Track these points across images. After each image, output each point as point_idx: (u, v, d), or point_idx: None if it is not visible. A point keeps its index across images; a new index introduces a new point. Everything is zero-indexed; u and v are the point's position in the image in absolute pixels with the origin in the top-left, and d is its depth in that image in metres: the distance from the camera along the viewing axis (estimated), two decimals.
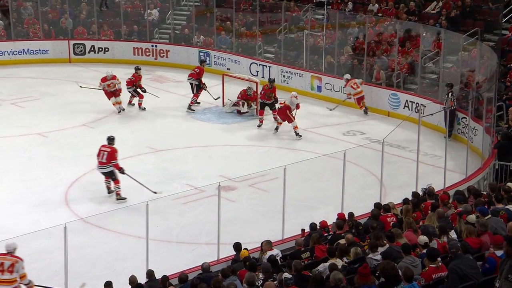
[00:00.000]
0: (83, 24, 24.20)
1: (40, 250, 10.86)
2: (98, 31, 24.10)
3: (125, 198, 13.27)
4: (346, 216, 10.77)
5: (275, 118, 17.68)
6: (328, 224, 10.81)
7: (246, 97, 18.67)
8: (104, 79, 18.44)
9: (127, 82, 18.76)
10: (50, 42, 23.43)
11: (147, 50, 23.78)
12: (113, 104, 18.51)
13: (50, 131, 17.00)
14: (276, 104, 17.89)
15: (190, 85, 19.19)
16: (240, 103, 18.64)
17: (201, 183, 13.58)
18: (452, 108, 16.30)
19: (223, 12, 23.84)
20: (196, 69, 19.26)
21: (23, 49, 23.08)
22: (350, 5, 22.62)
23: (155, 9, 24.65)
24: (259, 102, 18.15)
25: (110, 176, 13.45)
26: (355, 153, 14.13)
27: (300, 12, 22.75)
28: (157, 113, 18.74)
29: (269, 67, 21.46)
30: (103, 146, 13.51)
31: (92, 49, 23.78)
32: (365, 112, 18.75)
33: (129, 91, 18.82)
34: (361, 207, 11.74)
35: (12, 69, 21.72)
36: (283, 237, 11.38)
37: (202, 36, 23.65)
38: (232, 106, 18.79)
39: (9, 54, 22.67)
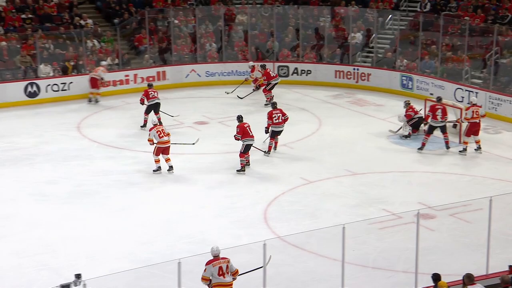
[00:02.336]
0: (288, 48, 24.92)
1: (240, 264, 11.21)
2: (302, 54, 24.69)
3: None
4: None
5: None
6: None
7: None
8: (252, 70, 21.80)
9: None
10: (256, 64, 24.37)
11: (349, 73, 23.90)
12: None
13: (251, 150, 17.59)
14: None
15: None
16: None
17: (398, 209, 13.32)
18: None
19: (429, 36, 23.30)
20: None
21: (232, 71, 24.28)
22: None
23: (359, 32, 24.73)
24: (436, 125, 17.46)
25: None
26: None
27: None
28: (356, 136, 18.71)
29: (476, 92, 20.60)
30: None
31: (295, 71, 24.38)
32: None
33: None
34: None
35: (221, 89, 22.88)
36: (487, 272, 10.77)
37: (405, 60, 23.31)
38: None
39: (219, 75, 23.96)
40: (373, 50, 24.38)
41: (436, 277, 9.72)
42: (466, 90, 20.86)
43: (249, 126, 16.05)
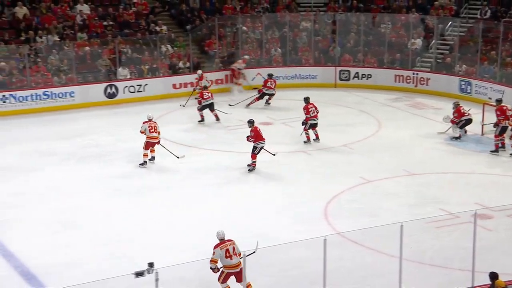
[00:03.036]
0: (349, 52, 24.62)
1: (300, 259, 11.10)
2: (363, 59, 24.34)
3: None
4: None
5: None
6: None
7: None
8: (201, 78, 21.02)
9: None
10: (320, 68, 24.20)
11: (408, 77, 23.42)
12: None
13: (313, 150, 17.47)
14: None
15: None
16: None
17: (455, 209, 12.94)
18: None
19: (488, 42, 22.63)
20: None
21: (295, 74, 24.16)
22: None
23: (419, 38, 24.21)
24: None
25: None
26: None
27: None
28: (414, 138, 18.30)
29: None
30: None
31: (356, 75, 24.07)
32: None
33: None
34: None
35: (284, 92, 22.79)
36: None
37: (464, 65, 22.68)
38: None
39: (283, 79, 23.84)
40: (432, 56, 23.82)
41: (493, 276, 9.39)
42: None
43: (260, 129, 15.99)
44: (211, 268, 10.09)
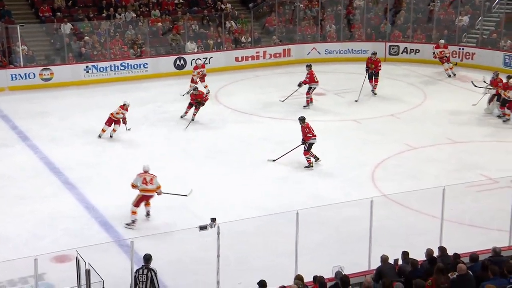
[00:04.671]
0: (399, 29, 24.08)
1: (350, 217, 11.13)
2: (412, 35, 23.77)
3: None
4: None
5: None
6: None
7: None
8: (195, 67, 19.33)
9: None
10: (370, 44, 23.75)
11: (454, 52, 22.74)
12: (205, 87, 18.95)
13: (362, 118, 17.31)
14: None
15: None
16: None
17: (495, 175, 12.67)
18: None
19: None
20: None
21: (348, 49, 23.81)
22: None
23: (466, 15, 23.43)
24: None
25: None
26: None
27: None
28: (458, 109, 17.87)
29: None
30: None
31: (405, 50, 23.54)
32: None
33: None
34: None
35: (337, 65, 22.56)
36: None
37: (509, 41, 21.86)
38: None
39: (336, 53, 23.56)
40: (478, 32, 23.04)
41: None
42: None
43: (311, 126, 14.31)
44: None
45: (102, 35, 21.99)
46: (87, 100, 19.16)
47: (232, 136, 16.11)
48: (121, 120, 15.73)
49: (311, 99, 18.31)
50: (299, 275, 8.17)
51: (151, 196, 11.62)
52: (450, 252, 8.75)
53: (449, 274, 7.69)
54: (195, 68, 19.81)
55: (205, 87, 19.40)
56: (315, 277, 8.14)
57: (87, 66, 21.13)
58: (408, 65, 22.79)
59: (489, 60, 21.73)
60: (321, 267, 8.72)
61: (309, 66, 18.30)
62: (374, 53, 19.62)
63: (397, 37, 23.96)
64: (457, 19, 23.29)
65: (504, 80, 17.10)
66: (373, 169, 13.83)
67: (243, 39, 23.42)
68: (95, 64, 21.23)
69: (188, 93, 18.38)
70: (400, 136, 15.74)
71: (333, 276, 8.37)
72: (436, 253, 8.78)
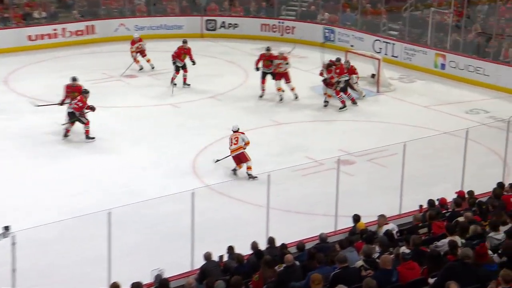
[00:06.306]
0: (215, 1, 24.53)
1: (169, 213, 11.17)
2: (229, 7, 24.35)
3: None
4: (466, 194, 10.32)
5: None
6: (448, 201, 10.40)
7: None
8: (133, 42, 19.52)
9: (172, 55, 18.38)
10: (185, 18, 23.97)
11: (274, 26, 23.77)
12: (147, 61, 19.64)
13: (181, 102, 17.43)
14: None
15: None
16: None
17: (320, 157, 13.43)
18: None
19: None
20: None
21: (161, 24, 23.77)
22: None
23: None
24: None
25: None
26: (478, 132, 13.47)
27: None
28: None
29: (393, 44, 20.88)
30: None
31: (223, 25, 24.10)
32: None
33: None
34: (482, 186, 11.20)
35: (149, 43, 22.39)
36: (400, 212, 11.09)
37: (326, 13, 23.32)
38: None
39: (147, 29, 23.39)
40: (297, 4, 24.24)
41: (356, 218, 9.92)
42: (384, 42, 21.12)
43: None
44: None
45: None
46: None
47: (28, 129, 15.31)
48: None
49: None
50: (114, 283, 8.02)
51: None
52: (278, 242, 9.16)
53: (276, 267, 8.05)
54: (132, 43, 19.43)
55: (148, 61, 19.66)
56: (133, 284, 8.06)
57: None
58: (227, 41, 23.36)
59: (309, 34, 22.97)
60: (139, 271, 8.67)
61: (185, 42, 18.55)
62: (185, 41, 18.84)
63: (214, 10, 24.41)
64: None
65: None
66: (193, 157, 14.02)
67: (35, 14, 22.32)
68: None
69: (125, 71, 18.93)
70: (222, 120, 16.10)
71: (153, 280, 8.37)
72: (264, 245, 9.14)
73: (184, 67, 18.46)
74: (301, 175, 12.96)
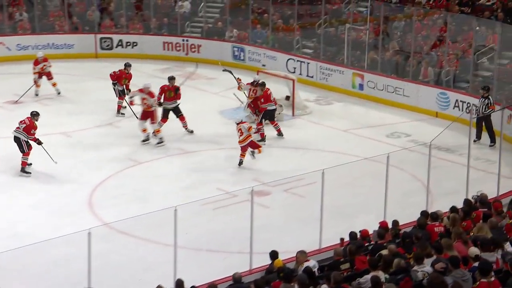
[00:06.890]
0: (111, 17, 24.40)
1: (61, 257, 10.92)
2: (126, 24, 24.26)
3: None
4: (389, 225, 10.62)
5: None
6: (370, 233, 10.67)
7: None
8: (36, 62, 19.15)
9: (110, 75, 18.48)
10: (76, 36, 23.69)
11: (178, 44, 23.85)
12: (53, 85, 19.37)
13: (73, 131, 17.15)
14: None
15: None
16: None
17: (233, 188, 13.55)
18: (490, 112, 15.95)
19: (259, 4, 23.73)
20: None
21: (48, 43, 23.33)
22: None
23: (187, 0, 24.72)
24: None
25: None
26: (399, 157, 13.94)
27: (341, 5, 22.63)
28: (189, 112, 18.67)
29: (307, 63, 21.37)
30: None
31: (120, 43, 23.97)
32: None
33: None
34: (406, 215, 11.57)
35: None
36: (320, 246, 11.30)
37: (235, 30, 23.63)
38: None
39: (32, 49, 22.82)
40: (202, 20, 24.45)
41: (273, 254, 9.96)
42: (298, 61, 21.60)
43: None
44: None
45: None
46: None
47: None
48: None
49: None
50: None
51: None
52: (187, 285, 9.11)
53: None
54: (35, 63, 18.86)
55: (54, 85, 19.23)
56: None
57: None
58: (125, 61, 23.13)
59: (218, 53, 23.16)
60: None
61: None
62: (129, 65, 18.90)
63: (109, 27, 24.27)
64: (177, 5, 24.43)
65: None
66: (90, 193, 13.81)
67: None
68: None
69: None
70: (122, 150, 15.96)
71: None
72: None
73: (123, 93, 18.30)
74: (211, 208, 12.98)
